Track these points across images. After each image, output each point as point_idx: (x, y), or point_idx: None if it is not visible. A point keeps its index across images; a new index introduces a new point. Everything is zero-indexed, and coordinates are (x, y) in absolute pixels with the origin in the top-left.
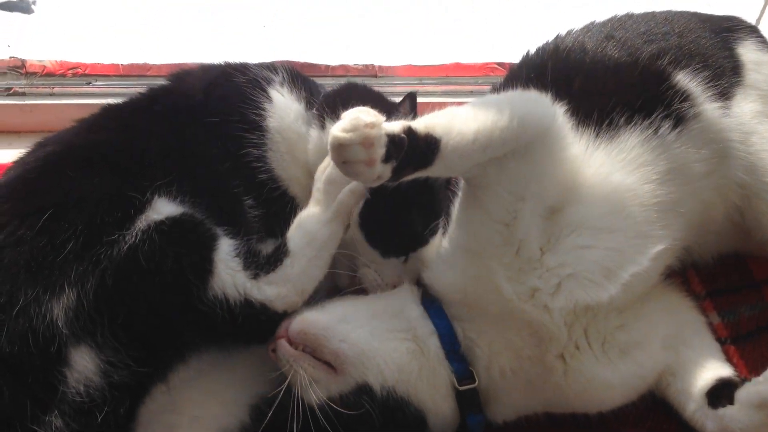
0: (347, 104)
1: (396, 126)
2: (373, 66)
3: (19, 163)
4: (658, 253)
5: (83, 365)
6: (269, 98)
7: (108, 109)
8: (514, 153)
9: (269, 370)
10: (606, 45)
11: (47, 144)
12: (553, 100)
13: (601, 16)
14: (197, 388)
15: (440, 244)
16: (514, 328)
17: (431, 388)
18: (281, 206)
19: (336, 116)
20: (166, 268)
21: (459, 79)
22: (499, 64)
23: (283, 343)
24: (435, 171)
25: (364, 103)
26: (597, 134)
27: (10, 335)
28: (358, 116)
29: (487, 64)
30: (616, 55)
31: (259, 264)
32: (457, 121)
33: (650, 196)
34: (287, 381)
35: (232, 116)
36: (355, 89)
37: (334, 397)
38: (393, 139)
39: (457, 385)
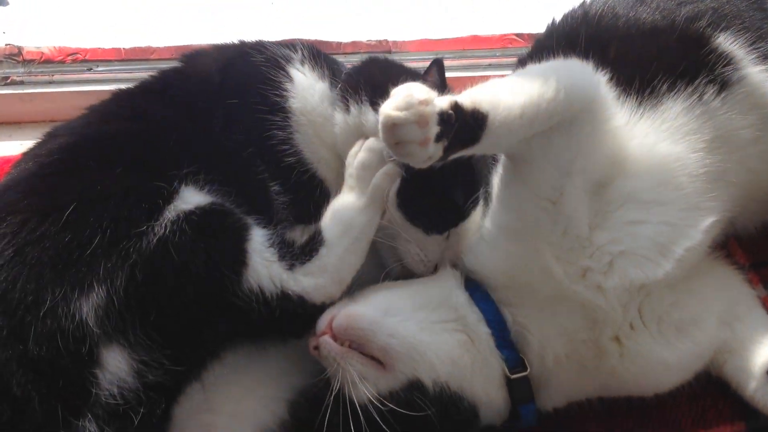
0: (371, 81)
1: (444, 101)
2: (386, 41)
3: (30, 155)
4: (710, 225)
5: (116, 366)
6: (290, 78)
7: (119, 96)
8: (560, 126)
9: (305, 362)
10: (638, 8)
11: (58, 135)
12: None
13: None
14: (233, 384)
15: (481, 222)
16: (566, 312)
17: (484, 379)
18: (310, 190)
19: (359, 97)
20: (199, 260)
21: (476, 52)
22: (518, 35)
23: (327, 340)
24: (480, 148)
25: (387, 77)
26: (639, 103)
27: (38, 337)
28: (411, 93)
29: (505, 35)
30: (650, 19)
31: (295, 254)
32: (502, 94)
33: (698, 166)
34: (336, 380)
35: (253, 98)
36: (375, 63)
37: (384, 394)
38: (443, 116)
39: (508, 374)
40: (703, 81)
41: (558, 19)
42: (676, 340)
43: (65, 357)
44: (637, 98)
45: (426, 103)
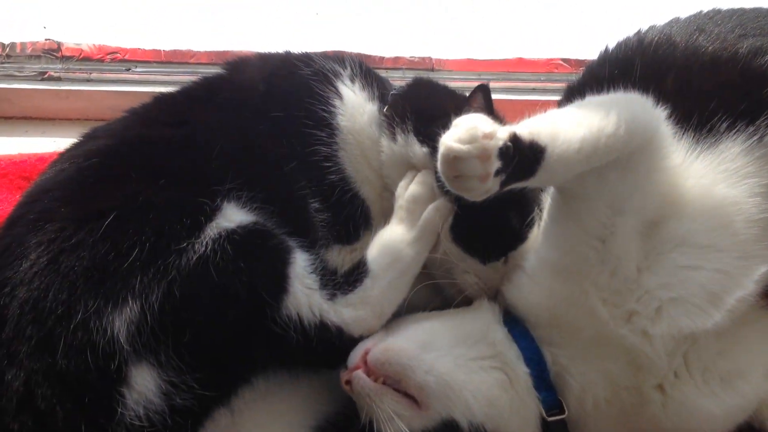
0: (417, 109)
1: (504, 133)
2: (429, 59)
3: (68, 156)
4: (763, 274)
5: (144, 385)
6: (339, 94)
7: (160, 100)
8: (616, 162)
9: (334, 388)
10: (698, 38)
11: (97, 136)
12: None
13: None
14: (261, 409)
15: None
16: (610, 356)
17: (520, 421)
18: (352, 209)
19: (406, 126)
20: (239, 282)
21: (521, 75)
22: (565, 60)
23: (361, 376)
24: (535, 182)
25: (434, 105)
26: (696, 141)
27: (67, 350)
28: (476, 125)
29: (551, 60)
30: (710, 50)
31: (337, 283)
32: (561, 126)
33: (756, 212)
34: (365, 414)
35: (298, 111)
36: (421, 87)
37: None
38: (503, 150)
39: (545, 416)
40: (765, 122)
41: (611, 46)
42: (721, 391)
43: (93, 372)
44: (694, 135)
45: (490, 137)
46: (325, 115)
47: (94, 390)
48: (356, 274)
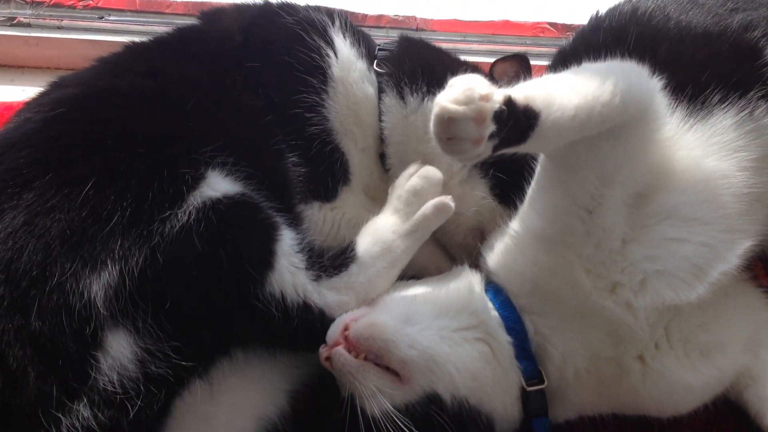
0: (428, 70)
1: (499, 96)
2: (414, 18)
3: (33, 106)
4: (746, 249)
5: (119, 351)
6: (332, 45)
7: (132, 49)
8: (609, 132)
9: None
10: (690, 10)
11: (65, 85)
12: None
13: None
14: (236, 375)
15: (509, 223)
16: (592, 327)
17: (502, 392)
18: (331, 163)
19: (418, 87)
20: (224, 254)
21: (507, 38)
22: (552, 24)
23: (341, 352)
24: (525, 148)
25: (442, 62)
26: (689, 112)
27: (42, 312)
28: (473, 86)
29: (538, 23)
30: (702, 22)
31: (323, 265)
32: (557, 92)
33: (743, 186)
34: (346, 390)
35: (284, 57)
36: (419, 46)
37: (400, 408)
38: (498, 114)
39: (525, 386)
40: (756, 95)
41: (602, 12)
42: (700, 364)
43: (68, 336)
44: (687, 107)
45: (486, 99)
46: (319, 63)
47: (68, 353)
48: (343, 258)
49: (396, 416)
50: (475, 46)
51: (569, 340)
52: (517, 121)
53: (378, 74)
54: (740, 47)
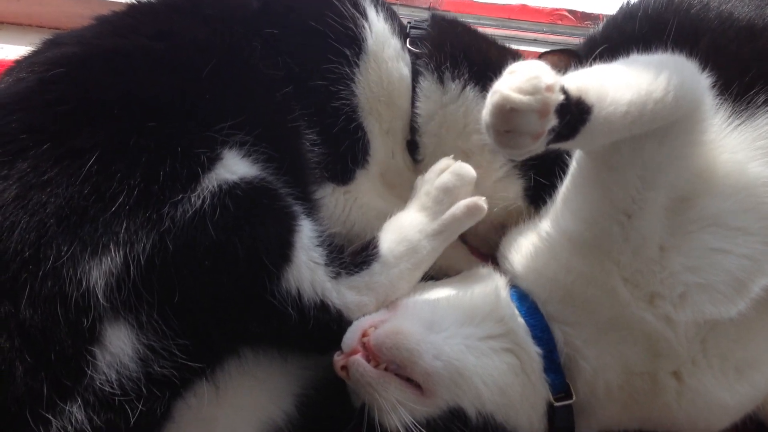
0: (468, 51)
1: (559, 87)
2: None
3: (27, 65)
4: None
5: (119, 347)
6: (366, 16)
7: (137, 8)
8: (656, 132)
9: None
10: (732, 2)
11: (62, 43)
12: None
13: None
14: (243, 375)
15: (538, 224)
16: (628, 339)
17: (529, 408)
18: (353, 142)
19: (459, 72)
20: (240, 245)
21: (522, 23)
22: (570, 11)
23: (360, 362)
24: (573, 144)
25: (484, 47)
26: (733, 112)
27: (33, 299)
28: (539, 75)
29: (556, 10)
30: (746, 15)
31: (343, 262)
32: (610, 85)
33: None
34: (363, 401)
35: (308, 25)
36: (456, 27)
37: (421, 422)
38: (560, 106)
39: (552, 401)
40: None
41: (633, 1)
42: (736, 381)
43: (62, 327)
44: (731, 107)
45: (552, 89)
46: (355, 34)
47: (62, 347)
48: (365, 255)
49: (417, 429)
50: (489, 30)
51: (603, 353)
52: (567, 113)
53: (412, 54)
54: None
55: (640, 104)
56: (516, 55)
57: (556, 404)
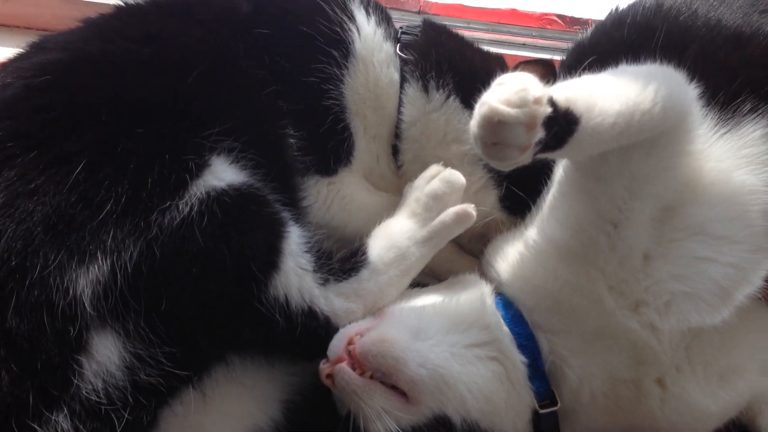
0: (453, 60)
1: (547, 98)
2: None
3: (13, 70)
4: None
5: (106, 355)
6: (353, 20)
7: (124, 11)
8: (643, 143)
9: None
10: (719, 8)
11: (48, 48)
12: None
13: None
14: (230, 381)
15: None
16: (613, 348)
17: (515, 415)
18: (339, 142)
19: (444, 81)
20: (228, 252)
21: (512, 28)
22: (559, 16)
23: (346, 370)
24: (560, 154)
25: (471, 57)
26: (719, 120)
27: (20, 308)
28: (527, 87)
29: (545, 14)
30: (733, 22)
31: (331, 268)
32: (599, 96)
33: None
34: (348, 410)
35: (298, 29)
36: (445, 35)
37: (406, 430)
38: (550, 118)
39: (537, 408)
40: None
41: (622, 7)
42: (719, 388)
43: (49, 336)
44: (717, 115)
45: (539, 102)
46: (342, 36)
47: (48, 356)
48: (354, 261)
49: None
50: (479, 35)
51: (588, 361)
52: (555, 124)
53: (401, 60)
54: None
55: (628, 115)
56: (503, 65)
57: (541, 411)
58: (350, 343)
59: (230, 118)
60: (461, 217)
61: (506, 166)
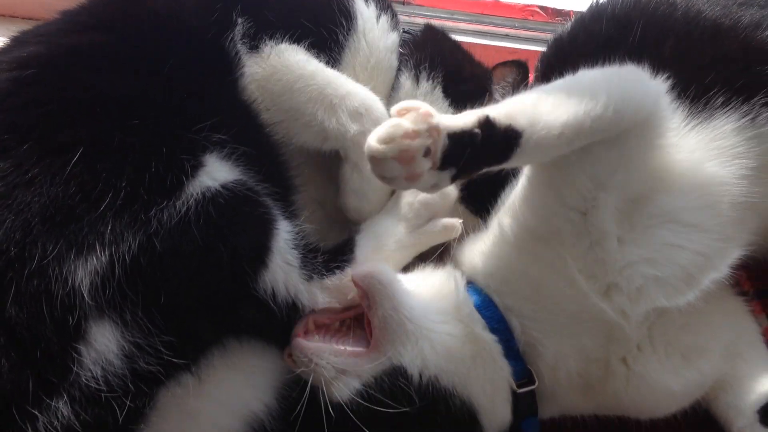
0: (445, 59)
1: (467, 120)
2: None
3: None
4: (736, 257)
5: (104, 344)
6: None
7: (99, 2)
8: (604, 139)
9: None
10: (698, 2)
11: (28, 42)
12: (651, 72)
13: None
14: (226, 367)
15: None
16: (586, 329)
17: (488, 384)
18: None
19: (435, 73)
20: (223, 250)
21: (495, 19)
22: (542, 8)
23: (298, 340)
24: (509, 165)
25: (462, 60)
26: (691, 113)
27: (20, 297)
28: (399, 123)
29: (528, 6)
30: (711, 16)
31: (317, 264)
32: (544, 108)
33: (740, 194)
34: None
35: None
36: (443, 38)
37: (369, 382)
38: (460, 139)
39: (515, 387)
40: (760, 101)
41: (602, 0)
42: (682, 368)
43: (48, 325)
44: (690, 108)
45: (412, 135)
46: (345, 15)
47: (47, 344)
48: (340, 259)
49: (362, 398)
50: (462, 25)
51: (561, 342)
52: (492, 142)
53: (399, 54)
54: (750, 47)
55: (577, 124)
56: (486, 71)
57: (519, 391)
58: (307, 323)
59: (218, 108)
60: (449, 230)
61: (423, 190)
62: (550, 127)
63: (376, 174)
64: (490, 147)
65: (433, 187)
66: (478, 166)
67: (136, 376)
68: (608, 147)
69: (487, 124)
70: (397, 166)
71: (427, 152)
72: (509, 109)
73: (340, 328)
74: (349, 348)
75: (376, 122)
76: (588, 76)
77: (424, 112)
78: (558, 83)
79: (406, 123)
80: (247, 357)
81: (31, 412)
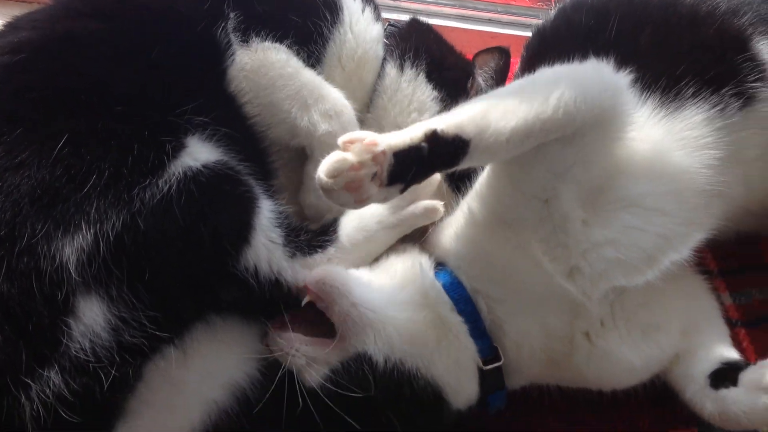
0: (429, 52)
1: (414, 135)
2: None
3: None
4: (698, 241)
5: (92, 318)
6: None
7: None
8: (560, 137)
9: None
10: None
11: (21, 27)
12: (616, 63)
13: None
14: (210, 339)
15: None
16: (551, 308)
17: (453, 363)
18: None
19: (419, 62)
20: (204, 229)
21: (477, 3)
22: None
23: (272, 334)
24: (459, 168)
25: (445, 52)
26: (661, 103)
27: (11, 274)
28: (344, 158)
29: None
30: (689, 2)
31: (300, 243)
32: (494, 115)
33: (704, 183)
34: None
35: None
36: (427, 31)
37: (337, 368)
38: (406, 156)
39: (481, 365)
40: (729, 92)
41: None
42: (642, 342)
43: (38, 300)
44: (660, 98)
45: (357, 167)
46: (331, 7)
47: (38, 318)
48: (323, 239)
49: (332, 384)
50: (446, 10)
51: (526, 320)
52: (439, 152)
53: (385, 45)
54: (726, 35)
55: (526, 129)
56: (468, 63)
57: (485, 368)
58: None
59: (201, 96)
60: (430, 212)
61: (376, 202)
62: (498, 133)
63: (329, 201)
64: (438, 157)
65: (385, 199)
66: (426, 174)
67: (122, 348)
68: (564, 144)
69: (433, 137)
70: (345, 194)
71: (374, 176)
72: (458, 118)
73: (314, 318)
74: (316, 339)
75: (345, 126)
76: (544, 76)
77: (369, 143)
78: (513, 85)
79: (351, 156)
80: (230, 329)
81: (24, 381)
